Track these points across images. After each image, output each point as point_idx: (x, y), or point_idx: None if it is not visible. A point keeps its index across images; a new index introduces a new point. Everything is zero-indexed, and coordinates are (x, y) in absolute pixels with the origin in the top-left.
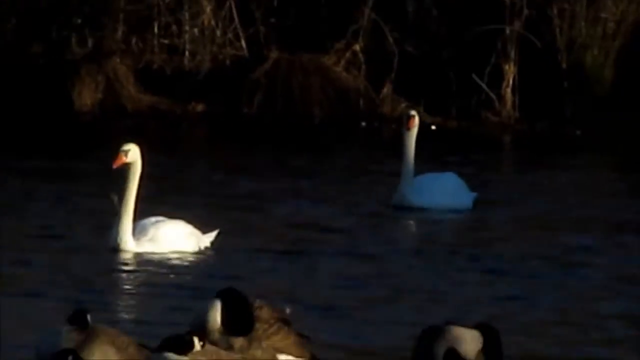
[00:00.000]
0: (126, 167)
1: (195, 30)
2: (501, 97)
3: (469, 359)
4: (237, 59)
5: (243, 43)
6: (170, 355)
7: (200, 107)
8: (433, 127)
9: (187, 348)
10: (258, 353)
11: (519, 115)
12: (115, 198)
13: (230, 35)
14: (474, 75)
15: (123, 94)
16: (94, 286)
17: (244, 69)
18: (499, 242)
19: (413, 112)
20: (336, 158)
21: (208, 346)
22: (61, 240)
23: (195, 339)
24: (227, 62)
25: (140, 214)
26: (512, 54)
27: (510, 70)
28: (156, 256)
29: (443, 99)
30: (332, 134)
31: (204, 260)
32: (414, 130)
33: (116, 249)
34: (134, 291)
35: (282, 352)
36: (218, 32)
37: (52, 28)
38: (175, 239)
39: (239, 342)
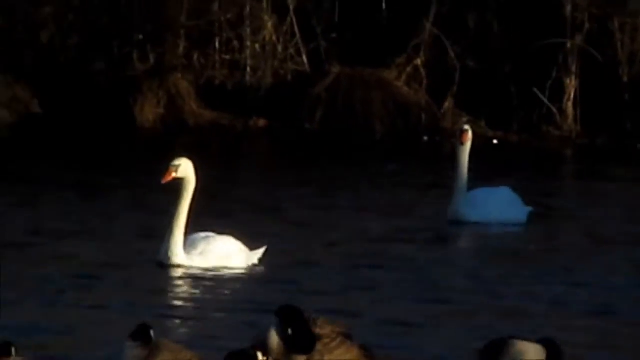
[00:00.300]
0: (179, 182)
1: (257, 45)
2: (562, 111)
3: None
4: (299, 74)
5: (304, 58)
6: None
7: (261, 122)
8: (495, 142)
9: None
10: None
11: (580, 129)
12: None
13: (291, 50)
14: (535, 89)
15: (185, 110)
16: (151, 300)
17: (305, 84)
18: (568, 255)
19: (467, 127)
20: (397, 172)
21: None
22: (122, 254)
23: (259, 354)
24: (289, 77)
25: (199, 228)
26: (574, 68)
27: (571, 84)
28: (208, 271)
29: (505, 113)
30: (393, 148)
31: (258, 275)
32: (468, 145)
33: (167, 263)
34: (189, 305)
35: None
36: (279, 48)
37: (114, 44)
38: (225, 254)
39: (301, 358)
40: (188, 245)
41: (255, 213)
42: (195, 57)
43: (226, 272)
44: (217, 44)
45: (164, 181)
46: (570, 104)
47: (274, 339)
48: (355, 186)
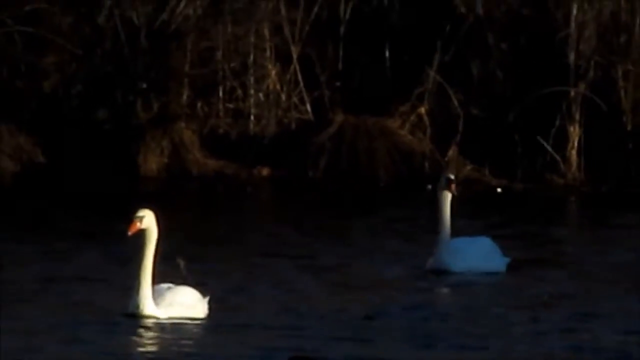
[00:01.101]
0: (143, 234)
1: (260, 94)
2: (566, 159)
3: None
4: (302, 123)
5: (308, 107)
6: None
7: (265, 171)
8: (499, 190)
9: None
10: None
11: (584, 177)
12: (182, 262)
13: (295, 99)
14: (539, 138)
15: (188, 159)
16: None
17: (309, 133)
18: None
19: (451, 176)
20: (401, 220)
21: None
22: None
23: None
24: (292, 125)
25: (208, 274)
26: (577, 116)
27: (575, 132)
28: (179, 322)
29: (508, 161)
30: (397, 197)
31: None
32: (450, 194)
33: (138, 314)
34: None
35: None
36: (283, 96)
37: (118, 93)
38: (191, 304)
39: None
40: (155, 296)
41: (254, 256)
42: (199, 105)
43: (197, 322)
44: (220, 93)
45: (130, 233)
46: (574, 152)
47: None
48: (359, 233)
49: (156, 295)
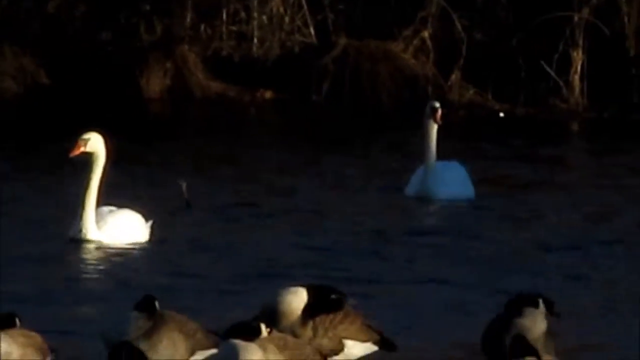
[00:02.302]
0: (90, 157)
1: (264, 17)
2: (569, 84)
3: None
4: (306, 46)
5: (311, 30)
6: (238, 341)
7: (268, 94)
8: (501, 114)
9: (254, 334)
10: (325, 341)
11: (587, 103)
12: (184, 184)
13: (298, 22)
14: (542, 62)
15: (192, 81)
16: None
17: (312, 56)
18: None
19: (437, 104)
20: (402, 144)
21: (275, 333)
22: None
23: (263, 326)
24: (296, 49)
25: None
26: (580, 41)
27: (578, 58)
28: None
29: (511, 86)
30: (399, 120)
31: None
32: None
33: (80, 239)
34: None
35: (348, 338)
36: (286, 19)
37: (121, 15)
38: (133, 228)
39: (305, 331)
40: (97, 219)
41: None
42: (202, 28)
43: (139, 245)
44: (224, 15)
45: (71, 154)
46: (577, 77)
47: (287, 301)
48: (360, 158)
49: (98, 219)
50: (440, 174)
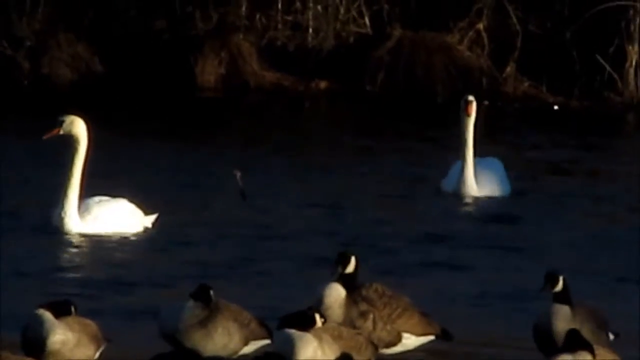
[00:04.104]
0: (72, 143)
1: (319, 7)
2: (624, 77)
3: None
4: (361, 37)
5: (367, 20)
6: (292, 331)
7: (323, 84)
8: (555, 107)
9: (309, 324)
10: (383, 334)
11: None
12: (239, 173)
13: (353, 12)
14: (597, 55)
15: (246, 70)
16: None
17: (367, 47)
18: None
19: (471, 98)
20: (456, 137)
21: (330, 323)
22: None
23: (317, 315)
24: (351, 39)
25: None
26: (636, 35)
27: (633, 51)
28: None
29: (566, 79)
30: (454, 112)
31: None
32: (473, 116)
33: (62, 228)
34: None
35: (406, 332)
36: (342, 9)
37: (176, 3)
38: (120, 218)
39: (365, 324)
40: (82, 209)
41: (306, 172)
42: (258, 17)
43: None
44: (279, 5)
45: (46, 137)
46: (632, 71)
47: (332, 293)
48: (415, 149)
49: (83, 209)
50: (477, 170)
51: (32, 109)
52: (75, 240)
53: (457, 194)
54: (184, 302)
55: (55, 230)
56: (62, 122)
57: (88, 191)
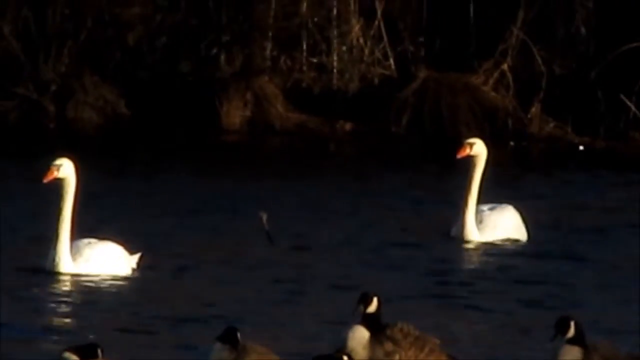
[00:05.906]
0: (61, 185)
1: (344, 48)
2: None
3: None
4: (386, 78)
5: (391, 62)
6: None
7: (348, 126)
8: (581, 148)
9: None
10: None
11: None
12: (265, 216)
13: (378, 54)
14: (622, 95)
15: (271, 112)
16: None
17: (392, 88)
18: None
19: (472, 140)
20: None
21: None
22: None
23: (345, 357)
24: (376, 80)
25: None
26: None
27: None
28: (98, 278)
29: (591, 119)
30: None
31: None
32: (482, 158)
33: (55, 271)
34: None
35: None
36: (366, 51)
37: (201, 46)
38: (111, 260)
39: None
40: (74, 252)
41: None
42: (282, 59)
43: (119, 278)
44: (304, 47)
45: (45, 180)
46: None
47: (356, 335)
48: (439, 189)
49: (74, 251)
50: (483, 216)
51: (58, 153)
52: (67, 281)
53: (458, 239)
54: (211, 344)
55: (49, 272)
56: (60, 165)
57: (111, 233)
